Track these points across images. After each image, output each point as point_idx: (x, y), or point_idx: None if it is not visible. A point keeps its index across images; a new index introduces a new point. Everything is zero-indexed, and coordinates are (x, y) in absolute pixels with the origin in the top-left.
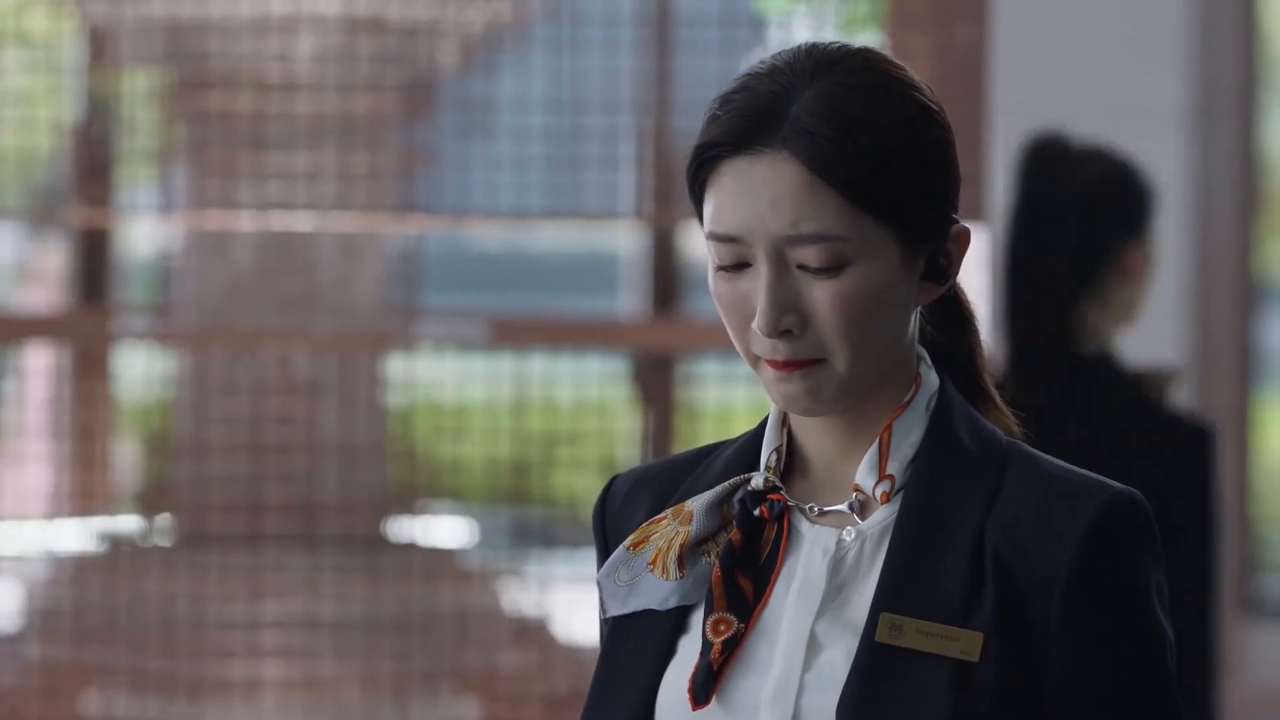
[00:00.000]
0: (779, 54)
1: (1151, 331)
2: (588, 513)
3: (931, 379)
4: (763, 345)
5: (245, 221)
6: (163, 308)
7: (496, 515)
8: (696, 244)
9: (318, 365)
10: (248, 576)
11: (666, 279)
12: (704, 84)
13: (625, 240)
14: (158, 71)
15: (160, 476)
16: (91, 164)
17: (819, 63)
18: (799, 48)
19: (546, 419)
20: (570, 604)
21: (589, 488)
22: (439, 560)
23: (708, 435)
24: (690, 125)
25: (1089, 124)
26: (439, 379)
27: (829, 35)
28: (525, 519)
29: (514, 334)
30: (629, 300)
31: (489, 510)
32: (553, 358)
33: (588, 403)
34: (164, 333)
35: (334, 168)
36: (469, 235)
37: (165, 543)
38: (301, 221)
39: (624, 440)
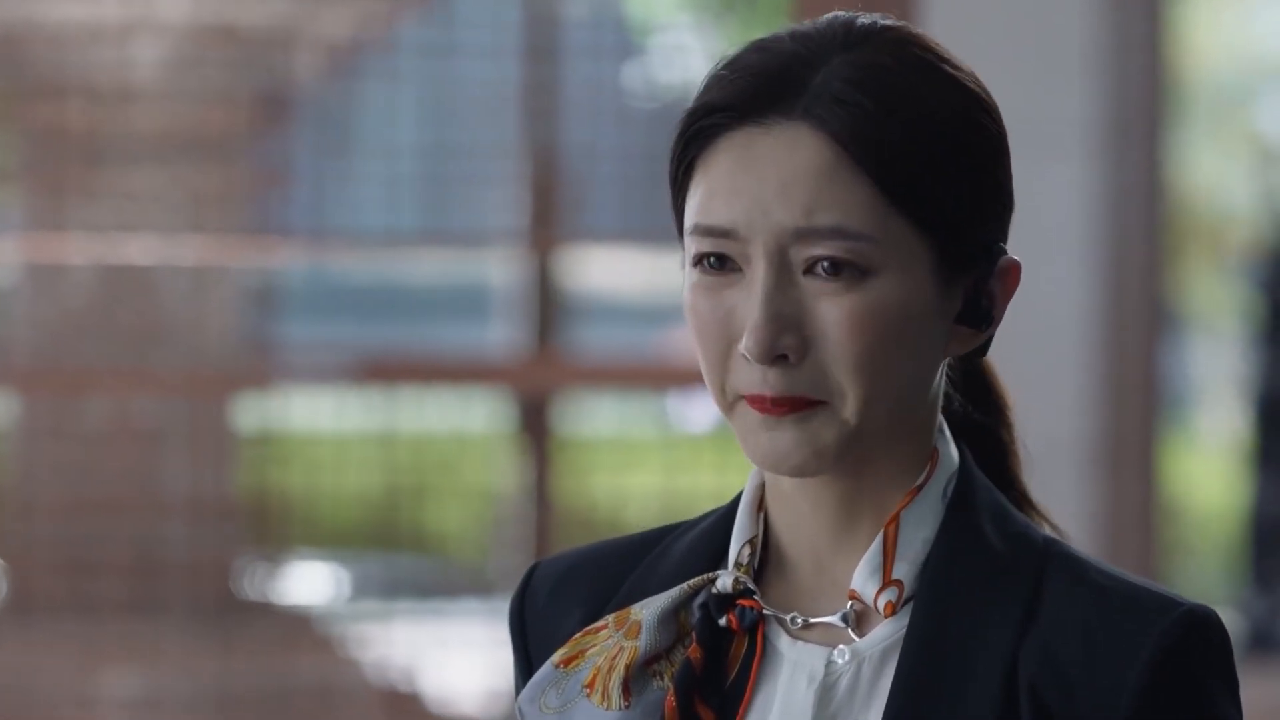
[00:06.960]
0: (801, 24)
1: (1058, 359)
2: (462, 564)
3: (950, 456)
4: (748, 377)
5: (82, 248)
6: None
7: (364, 568)
8: (582, 271)
9: (162, 409)
10: (82, 647)
11: (549, 309)
12: (590, 93)
13: (502, 267)
14: None
15: None
16: None
17: (852, 31)
18: (828, 17)
19: (417, 463)
20: (443, 668)
21: (464, 538)
22: (298, 626)
23: (600, 483)
24: (575, 139)
25: None
26: (299, 423)
27: (722, 41)
28: (394, 574)
29: (382, 370)
30: (507, 332)
31: (355, 564)
32: (425, 396)
33: (465, 444)
34: None
35: (181, 188)
36: (332, 262)
37: None
38: (144, 248)
39: (503, 488)
